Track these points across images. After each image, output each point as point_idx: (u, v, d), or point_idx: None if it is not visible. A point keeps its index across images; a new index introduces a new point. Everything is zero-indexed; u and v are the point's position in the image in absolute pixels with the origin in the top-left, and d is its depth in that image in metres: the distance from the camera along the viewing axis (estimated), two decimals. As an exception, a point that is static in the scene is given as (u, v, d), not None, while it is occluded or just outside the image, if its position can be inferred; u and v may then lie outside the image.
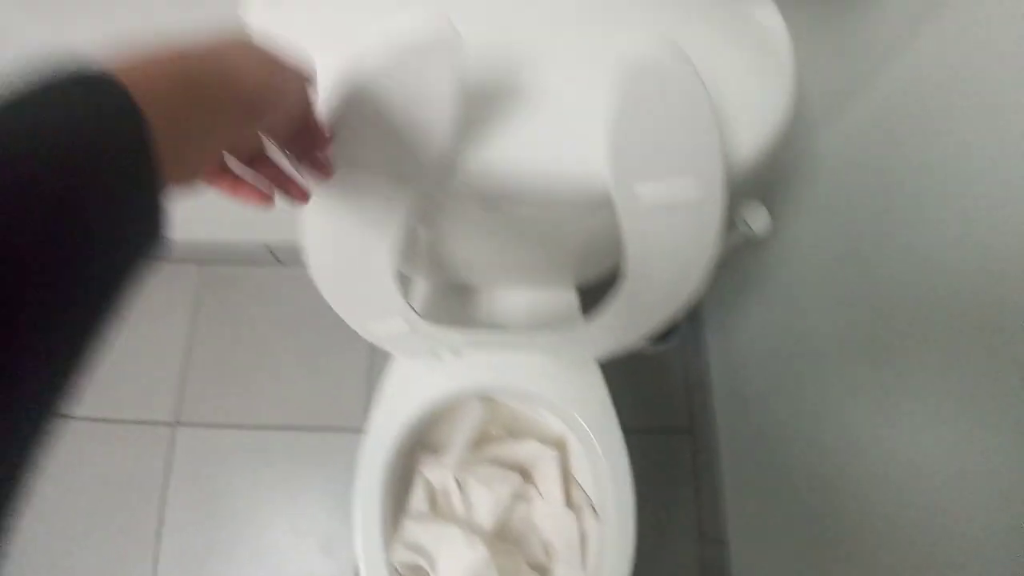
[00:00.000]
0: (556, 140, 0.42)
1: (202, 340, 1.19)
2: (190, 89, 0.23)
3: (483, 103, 0.42)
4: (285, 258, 1.21)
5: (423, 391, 0.73)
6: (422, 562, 0.72)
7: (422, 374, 0.73)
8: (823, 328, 0.75)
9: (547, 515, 0.76)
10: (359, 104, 0.38)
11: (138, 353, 1.17)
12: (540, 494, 0.78)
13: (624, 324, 0.61)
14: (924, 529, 0.56)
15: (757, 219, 0.77)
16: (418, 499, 0.76)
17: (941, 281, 0.52)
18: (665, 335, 1.16)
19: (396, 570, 0.70)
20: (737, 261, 1.00)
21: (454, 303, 0.78)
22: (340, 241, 0.50)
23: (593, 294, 0.71)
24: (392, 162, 0.41)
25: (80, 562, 1.06)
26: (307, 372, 1.16)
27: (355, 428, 1.11)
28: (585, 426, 0.72)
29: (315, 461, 1.11)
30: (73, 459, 1.10)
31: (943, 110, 0.51)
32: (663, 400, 1.19)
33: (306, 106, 0.33)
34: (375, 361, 1.16)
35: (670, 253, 0.49)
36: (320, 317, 1.18)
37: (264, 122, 0.29)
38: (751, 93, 0.44)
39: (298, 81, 0.31)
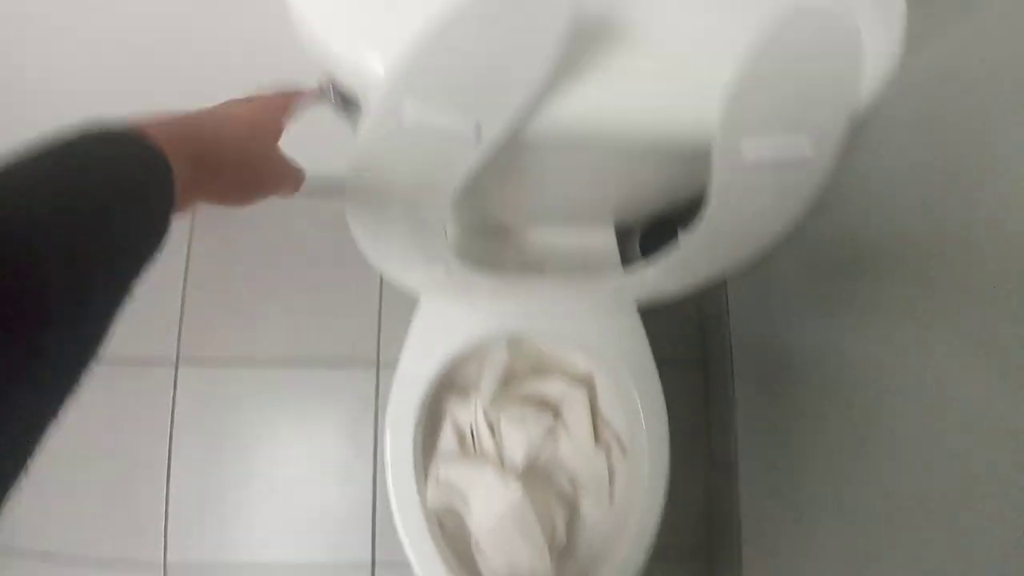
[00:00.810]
0: (653, 84, 0.37)
1: (200, 275, 1.13)
2: (197, 153, 0.33)
3: (581, 42, 0.36)
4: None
5: (455, 332, 0.70)
6: (456, 501, 0.72)
7: (454, 315, 0.70)
8: (832, 254, 0.73)
9: (575, 452, 0.76)
10: (450, 39, 0.33)
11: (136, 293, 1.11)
12: (568, 432, 0.78)
13: (679, 275, 0.58)
14: (925, 446, 0.56)
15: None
16: (447, 440, 0.76)
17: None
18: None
19: (430, 511, 0.70)
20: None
21: (487, 245, 0.73)
22: (396, 186, 0.46)
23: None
24: (478, 101, 0.36)
25: (90, 504, 1.06)
26: (314, 305, 1.12)
27: (368, 361, 1.09)
28: (625, 370, 0.70)
29: (327, 396, 1.09)
30: (78, 402, 1.07)
31: None
32: (679, 334, 1.19)
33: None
34: (386, 293, 1.12)
35: (755, 209, 0.45)
36: (327, 247, 1.14)
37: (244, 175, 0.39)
38: (866, 37, 0.38)
39: (274, 136, 0.40)
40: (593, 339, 0.72)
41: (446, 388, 0.78)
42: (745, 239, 0.50)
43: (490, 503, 0.72)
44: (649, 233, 1.15)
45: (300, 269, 1.13)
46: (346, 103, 0.44)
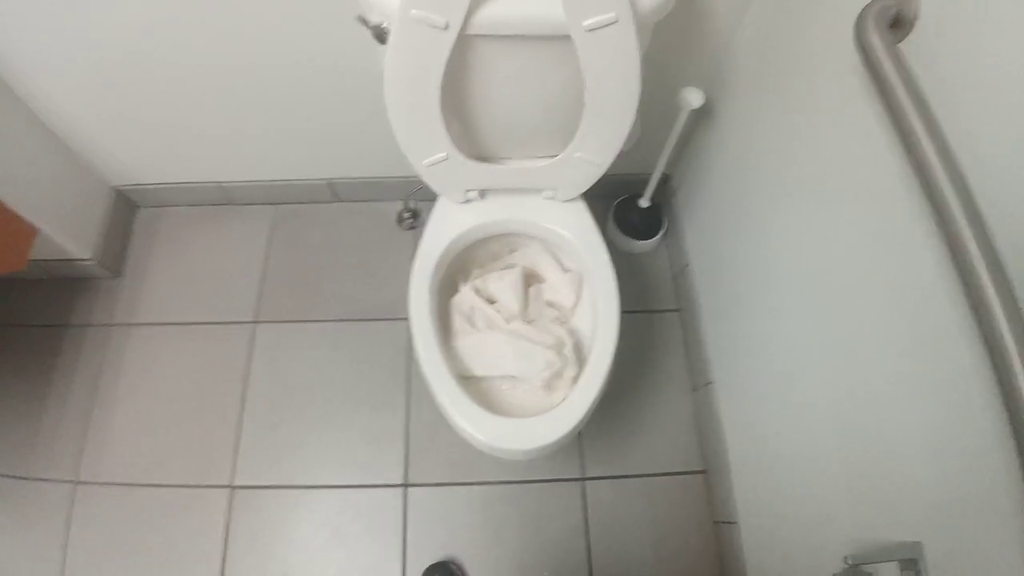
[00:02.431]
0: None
1: (276, 261, 1.49)
2: None
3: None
4: (342, 194, 1.52)
5: (457, 223, 1.01)
6: (475, 367, 0.98)
7: (456, 211, 1.02)
8: (758, 182, 1.02)
9: (551, 284, 1.04)
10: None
11: (224, 274, 1.48)
12: (539, 274, 1.07)
13: (596, 145, 0.90)
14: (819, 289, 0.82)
15: (694, 96, 1.06)
16: (456, 322, 1.04)
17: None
18: (653, 233, 1.44)
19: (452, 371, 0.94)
20: (697, 148, 1.28)
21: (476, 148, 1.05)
22: (409, 80, 0.80)
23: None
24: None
25: (172, 437, 1.32)
26: (361, 278, 1.46)
27: (403, 317, 1.39)
28: (575, 241, 1.00)
29: (370, 343, 1.39)
30: (174, 355, 1.40)
31: None
32: (656, 287, 1.46)
33: None
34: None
35: (613, 71, 0.77)
36: (369, 237, 1.50)
37: None
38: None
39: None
40: (555, 221, 1.02)
41: (446, 291, 1.06)
42: (621, 102, 0.82)
43: (499, 347, 0.98)
44: (619, 211, 1.46)
45: (351, 252, 1.49)
46: (378, 32, 0.80)
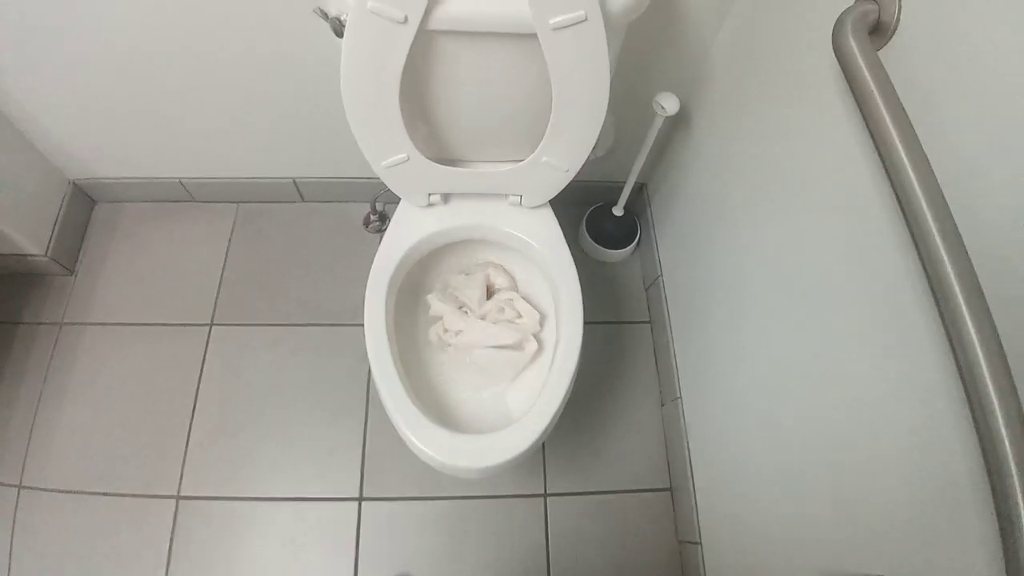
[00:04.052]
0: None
1: (237, 261, 1.43)
2: None
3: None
4: (308, 194, 1.47)
5: (418, 228, 0.97)
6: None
7: (418, 215, 0.98)
8: (733, 191, 0.99)
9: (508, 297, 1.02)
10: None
11: (181, 274, 1.42)
12: (500, 276, 1.06)
13: (564, 150, 0.86)
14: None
15: (669, 102, 1.03)
16: (431, 334, 1.00)
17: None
18: (627, 243, 1.41)
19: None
20: (673, 156, 1.25)
21: (439, 151, 1.01)
22: (366, 77, 0.76)
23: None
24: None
25: (118, 443, 1.26)
26: (324, 282, 1.41)
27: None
28: (540, 248, 0.96)
29: (330, 349, 1.34)
30: (125, 357, 1.33)
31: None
32: (627, 298, 1.43)
33: None
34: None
35: (581, 73, 0.74)
36: (334, 240, 1.45)
37: None
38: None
39: None
40: (522, 229, 0.98)
41: (410, 303, 1.03)
42: (590, 105, 0.79)
43: (472, 333, 0.96)
44: (592, 219, 1.43)
45: (314, 254, 1.44)
46: (336, 25, 0.76)
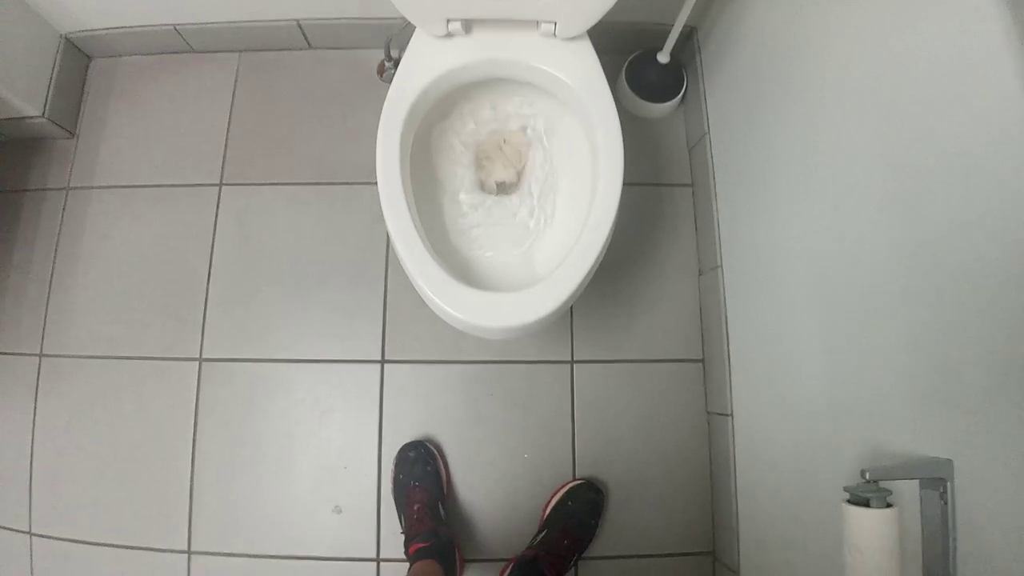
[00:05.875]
0: None
1: (242, 117, 1.32)
2: None
3: None
4: (315, 40, 1.32)
5: (436, 63, 0.84)
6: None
7: (435, 47, 0.85)
8: (811, 47, 0.82)
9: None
10: None
11: (185, 131, 1.32)
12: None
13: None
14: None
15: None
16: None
17: None
18: (671, 95, 1.25)
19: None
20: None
21: None
22: None
23: None
24: None
25: (135, 307, 1.24)
26: (337, 137, 1.30)
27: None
28: (574, 86, 0.83)
29: (346, 209, 1.26)
30: (135, 220, 1.28)
31: None
32: (668, 158, 1.30)
33: None
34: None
35: None
36: (346, 90, 1.32)
37: None
38: None
39: None
40: (552, 64, 0.84)
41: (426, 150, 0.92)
42: None
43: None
44: (633, 68, 1.26)
45: (324, 106, 1.31)
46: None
